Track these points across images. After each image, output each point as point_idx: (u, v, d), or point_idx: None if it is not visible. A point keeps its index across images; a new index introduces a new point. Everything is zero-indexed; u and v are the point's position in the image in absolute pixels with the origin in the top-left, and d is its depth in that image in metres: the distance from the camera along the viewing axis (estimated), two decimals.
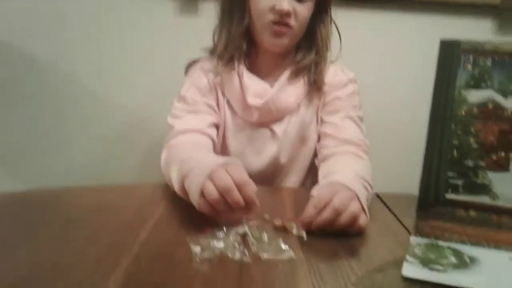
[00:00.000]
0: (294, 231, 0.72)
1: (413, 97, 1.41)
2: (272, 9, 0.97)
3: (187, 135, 0.97)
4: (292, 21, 0.99)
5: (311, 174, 1.11)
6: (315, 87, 1.06)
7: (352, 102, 1.08)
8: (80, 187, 0.90)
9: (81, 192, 0.90)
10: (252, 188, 0.70)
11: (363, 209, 0.75)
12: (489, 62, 0.77)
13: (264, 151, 1.07)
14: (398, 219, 0.82)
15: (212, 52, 1.09)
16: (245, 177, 0.70)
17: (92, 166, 1.67)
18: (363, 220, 0.74)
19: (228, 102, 1.08)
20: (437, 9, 1.56)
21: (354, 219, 0.72)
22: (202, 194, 0.70)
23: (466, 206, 0.82)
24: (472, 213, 0.81)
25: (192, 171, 0.75)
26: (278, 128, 1.07)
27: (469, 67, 0.78)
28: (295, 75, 1.06)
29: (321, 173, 0.95)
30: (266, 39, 1.02)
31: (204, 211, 0.72)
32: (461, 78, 0.78)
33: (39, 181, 1.59)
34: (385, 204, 0.90)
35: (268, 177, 1.08)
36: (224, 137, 1.09)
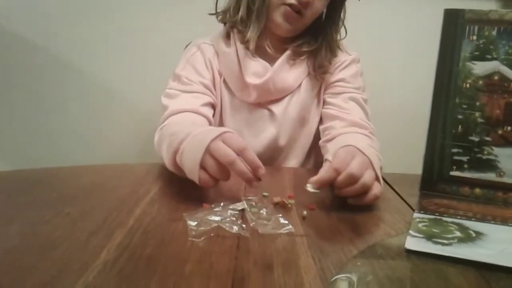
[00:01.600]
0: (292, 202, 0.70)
1: (416, 72, 1.38)
2: None
3: (180, 114, 0.94)
4: (307, 11, 0.97)
5: (312, 157, 1.10)
6: (319, 71, 1.03)
7: (356, 83, 1.06)
8: (76, 166, 0.88)
9: (77, 170, 0.88)
10: (252, 152, 0.68)
11: (377, 177, 0.73)
12: (494, 32, 0.74)
13: (263, 132, 1.05)
14: (401, 197, 0.80)
15: (226, 19, 1.05)
16: (243, 143, 0.68)
17: (92, 155, 1.66)
18: (377, 189, 0.72)
19: (225, 82, 1.05)
20: None
21: (368, 187, 0.70)
22: (202, 168, 0.68)
23: (471, 183, 0.79)
24: (478, 190, 0.79)
25: (185, 145, 0.73)
26: (276, 108, 1.05)
27: (474, 37, 0.75)
28: (296, 56, 1.04)
29: (330, 149, 0.91)
30: (276, 19, 0.99)
31: (206, 185, 0.69)
32: (466, 49, 0.76)
33: (31, 164, 1.58)
34: (388, 183, 0.87)
35: (267, 159, 1.05)
36: (221, 118, 1.06)
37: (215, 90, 1.05)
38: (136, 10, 1.61)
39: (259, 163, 0.68)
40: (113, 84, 1.66)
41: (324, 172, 0.70)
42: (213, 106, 1.04)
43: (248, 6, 1.00)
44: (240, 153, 0.67)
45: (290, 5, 0.95)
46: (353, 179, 0.69)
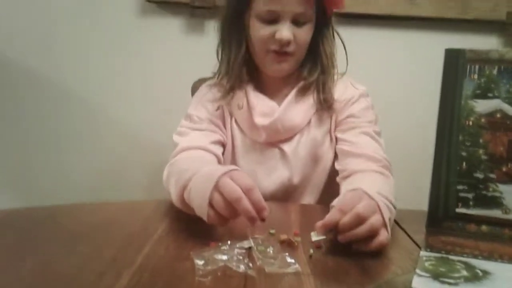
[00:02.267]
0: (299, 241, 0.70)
1: (421, 109, 1.40)
2: (272, 37, 0.96)
3: (190, 151, 0.96)
4: (292, 48, 0.98)
5: (327, 195, 1.06)
6: (325, 105, 1.04)
7: (367, 117, 1.05)
8: (85, 203, 0.89)
9: (86, 208, 0.89)
10: (259, 193, 0.69)
11: (385, 224, 0.71)
12: (495, 71, 0.76)
13: (275, 171, 1.05)
14: (408, 235, 0.80)
15: (216, 77, 1.08)
16: (251, 183, 0.69)
17: (96, 185, 1.68)
18: (383, 236, 0.70)
19: (236, 122, 1.07)
20: (444, 26, 1.57)
21: (374, 231, 0.68)
22: (211, 205, 0.69)
23: (477, 220, 0.79)
24: (484, 227, 0.79)
25: (194, 181, 0.74)
26: (287, 147, 1.05)
27: (475, 76, 0.77)
28: (302, 93, 1.05)
29: (343, 189, 0.91)
30: (268, 66, 1.02)
31: (214, 223, 0.71)
32: (467, 87, 0.77)
33: (42, 199, 1.59)
34: (395, 220, 0.87)
35: (281, 198, 1.05)
36: (233, 158, 1.07)
37: (225, 129, 1.07)
38: (145, 44, 1.65)
39: (264, 204, 0.68)
40: (122, 119, 1.69)
41: (329, 215, 0.69)
42: (222, 144, 1.05)
43: (227, 59, 1.03)
44: (247, 192, 0.68)
45: (274, 50, 0.98)
46: (359, 220, 0.67)
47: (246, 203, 0.67)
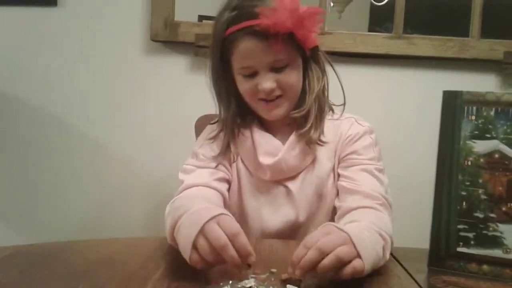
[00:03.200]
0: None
1: (422, 150, 1.41)
2: (256, 89, 0.98)
3: (193, 189, 0.97)
4: (278, 92, 0.99)
5: None
6: (303, 140, 1.03)
7: (369, 154, 1.05)
8: (86, 240, 0.90)
9: (87, 245, 0.90)
10: (245, 238, 0.70)
11: (357, 253, 0.70)
12: (492, 113, 0.78)
13: (281, 209, 1.06)
14: (410, 274, 0.80)
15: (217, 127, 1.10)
16: (237, 229, 0.70)
17: (95, 220, 1.68)
18: (357, 263, 0.69)
19: (242, 160, 1.08)
20: (442, 65, 1.60)
21: (341, 261, 0.68)
22: (195, 247, 0.70)
23: (479, 260, 0.80)
24: (485, 267, 0.79)
25: (182, 220, 0.76)
26: (292, 185, 1.06)
27: (473, 117, 0.79)
28: (302, 137, 1.04)
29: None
30: (262, 114, 1.04)
31: (196, 265, 0.71)
32: (466, 128, 0.79)
33: (42, 235, 1.59)
34: (396, 259, 0.88)
35: (287, 236, 1.05)
36: (240, 196, 1.08)
37: (231, 168, 1.08)
38: (149, 82, 1.68)
39: (250, 249, 0.69)
40: (124, 156, 1.70)
41: (295, 253, 0.70)
42: (228, 182, 1.06)
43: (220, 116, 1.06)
44: (232, 237, 0.69)
45: (263, 99, 1.00)
46: (322, 254, 0.67)
47: (231, 251, 0.68)
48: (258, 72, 0.98)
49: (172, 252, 0.84)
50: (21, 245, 0.86)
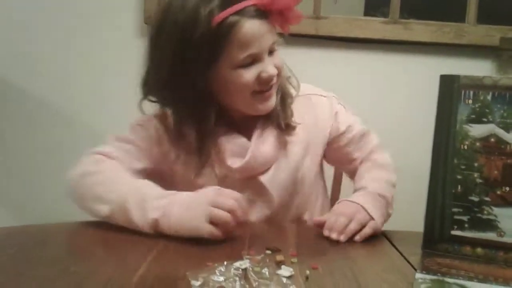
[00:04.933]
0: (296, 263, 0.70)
1: (417, 133, 1.41)
2: (258, 79, 0.88)
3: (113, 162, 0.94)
4: (275, 79, 0.92)
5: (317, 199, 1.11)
6: (287, 132, 0.98)
7: (347, 124, 1.05)
8: (79, 222, 0.89)
9: (82, 226, 0.89)
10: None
11: (371, 217, 0.88)
12: (489, 97, 0.77)
13: (255, 207, 1.00)
14: (404, 256, 0.81)
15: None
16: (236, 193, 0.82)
17: None
18: (373, 224, 0.88)
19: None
20: (438, 51, 1.60)
21: (360, 224, 0.87)
22: (210, 222, 0.77)
23: (473, 243, 0.80)
24: (479, 250, 0.80)
25: (180, 203, 0.81)
26: (264, 178, 0.99)
27: (470, 101, 0.78)
28: (268, 121, 0.98)
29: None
30: (253, 108, 0.94)
31: (217, 237, 0.78)
32: (462, 112, 0.79)
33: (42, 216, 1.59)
34: (390, 241, 0.88)
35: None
36: None
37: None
38: (141, 64, 1.66)
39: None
40: None
41: (328, 221, 0.87)
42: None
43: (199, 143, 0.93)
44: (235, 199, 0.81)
45: (259, 91, 0.91)
46: (348, 219, 0.87)
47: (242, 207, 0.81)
48: (261, 58, 0.89)
49: (165, 237, 0.83)
50: (14, 227, 0.86)
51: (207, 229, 0.77)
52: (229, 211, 0.78)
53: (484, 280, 0.69)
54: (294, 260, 0.72)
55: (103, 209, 0.85)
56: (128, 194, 0.83)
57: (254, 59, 0.88)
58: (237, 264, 0.68)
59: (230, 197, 0.80)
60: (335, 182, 1.29)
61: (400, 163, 1.59)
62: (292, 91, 1.01)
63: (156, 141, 0.97)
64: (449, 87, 0.80)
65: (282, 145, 1.00)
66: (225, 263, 0.67)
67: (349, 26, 1.60)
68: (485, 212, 0.79)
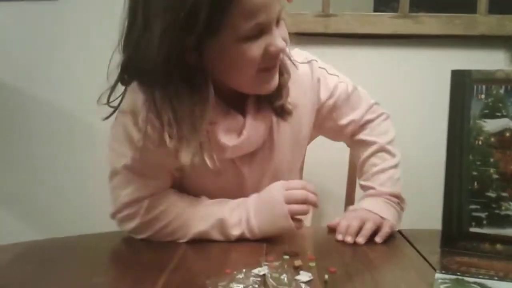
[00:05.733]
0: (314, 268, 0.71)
1: (431, 130, 1.40)
2: (265, 53, 0.77)
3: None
4: (281, 54, 0.82)
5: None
6: (281, 116, 0.90)
7: (336, 91, 0.99)
8: (98, 234, 0.90)
9: (99, 238, 0.90)
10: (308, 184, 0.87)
11: (383, 218, 0.89)
12: (502, 91, 0.77)
13: (235, 190, 0.92)
14: (422, 256, 0.80)
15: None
16: (299, 182, 0.89)
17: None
18: (387, 223, 0.89)
19: None
20: (450, 43, 1.58)
21: (376, 225, 0.88)
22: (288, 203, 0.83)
23: (492, 239, 0.79)
24: (498, 246, 0.79)
25: (255, 212, 0.85)
26: (246, 167, 0.92)
27: (482, 96, 0.78)
28: (260, 98, 0.88)
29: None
30: (256, 87, 0.83)
31: (300, 228, 0.86)
32: (475, 107, 0.78)
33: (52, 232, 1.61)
34: (408, 240, 0.88)
35: None
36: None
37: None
38: None
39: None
40: None
41: (340, 226, 0.89)
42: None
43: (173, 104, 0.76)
44: (304, 187, 0.86)
45: (264, 68, 0.79)
46: (362, 221, 0.88)
47: (311, 195, 0.86)
48: (270, 28, 0.76)
49: (185, 244, 0.84)
50: (33, 241, 0.87)
51: (292, 226, 0.83)
52: (303, 202, 0.84)
53: (504, 277, 0.68)
54: (312, 264, 0.73)
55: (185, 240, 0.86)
56: (200, 225, 0.85)
57: (262, 30, 0.75)
58: (255, 271, 0.68)
59: (298, 187, 0.85)
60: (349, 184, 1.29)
61: (412, 159, 1.58)
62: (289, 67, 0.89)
63: (159, 143, 0.80)
64: (461, 83, 0.79)
65: (274, 130, 0.92)
66: (243, 270, 0.68)
67: (359, 22, 1.59)
68: (503, 208, 0.78)
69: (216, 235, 0.85)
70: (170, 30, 0.70)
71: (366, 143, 1.03)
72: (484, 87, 0.78)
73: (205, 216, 0.86)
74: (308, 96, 0.96)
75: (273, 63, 0.80)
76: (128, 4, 0.76)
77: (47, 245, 0.88)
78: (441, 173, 0.82)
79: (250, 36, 0.74)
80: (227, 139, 0.85)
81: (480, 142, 0.79)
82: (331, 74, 0.99)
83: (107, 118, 0.83)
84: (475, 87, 0.78)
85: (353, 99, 1.02)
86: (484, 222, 0.79)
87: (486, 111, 0.78)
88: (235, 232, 0.85)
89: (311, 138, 1.05)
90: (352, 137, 1.05)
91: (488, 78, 0.78)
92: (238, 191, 0.91)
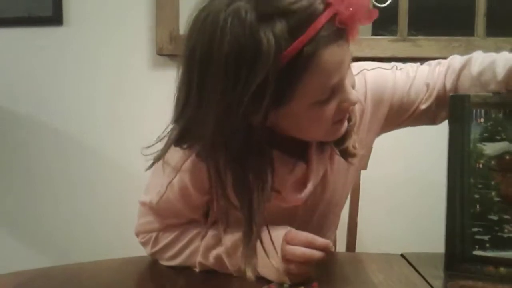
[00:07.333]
0: None
1: (429, 152, 1.40)
2: (339, 111, 0.72)
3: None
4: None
5: None
6: (347, 157, 0.82)
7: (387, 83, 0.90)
8: (104, 260, 0.90)
9: (105, 266, 0.90)
10: (318, 239, 0.74)
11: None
12: (501, 115, 0.77)
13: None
14: (426, 280, 0.80)
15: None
16: (306, 236, 0.75)
17: (110, 237, 1.69)
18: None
19: None
20: None
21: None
22: (286, 260, 0.73)
23: (495, 262, 0.79)
24: (502, 269, 0.79)
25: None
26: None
27: (482, 120, 0.78)
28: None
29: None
30: (323, 138, 0.80)
31: (300, 273, 0.73)
32: (475, 131, 0.79)
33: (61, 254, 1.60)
34: (411, 264, 0.87)
35: None
36: None
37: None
38: (156, 96, 1.68)
39: (327, 243, 0.74)
40: (135, 171, 1.71)
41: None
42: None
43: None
44: (309, 244, 0.73)
45: (340, 119, 0.75)
46: None
47: (317, 254, 0.73)
48: (342, 85, 0.71)
49: (187, 270, 0.84)
50: (38, 269, 0.87)
51: (288, 281, 0.73)
52: (305, 261, 0.73)
53: None
54: None
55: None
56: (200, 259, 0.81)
57: (334, 90, 0.70)
58: None
59: (302, 243, 0.73)
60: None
61: (412, 182, 1.58)
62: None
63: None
64: (460, 107, 0.80)
65: (328, 167, 0.86)
66: None
67: (358, 46, 1.61)
68: (506, 230, 0.78)
69: (230, 268, 0.79)
70: (231, 114, 0.64)
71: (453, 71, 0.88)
72: (483, 111, 0.79)
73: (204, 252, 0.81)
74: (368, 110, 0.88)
75: (345, 114, 0.76)
76: (182, 80, 0.70)
77: (49, 274, 0.87)
78: (441, 195, 0.82)
79: (322, 100, 0.69)
80: (293, 197, 0.81)
81: (480, 165, 0.79)
82: (384, 69, 0.93)
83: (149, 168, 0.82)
84: (474, 111, 0.79)
85: (415, 74, 0.91)
86: (487, 245, 0.79)
87: (486, 134, 0.79)
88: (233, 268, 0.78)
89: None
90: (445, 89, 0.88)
91: (487, 102, 0.79)
92: (288, 220, 0.83)
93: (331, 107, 0.70)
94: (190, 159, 0.76)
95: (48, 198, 1.73)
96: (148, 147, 0.77)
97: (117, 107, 1.71)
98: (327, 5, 0.64)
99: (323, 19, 0.63)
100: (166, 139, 0.76)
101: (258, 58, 0.61)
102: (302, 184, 0.82)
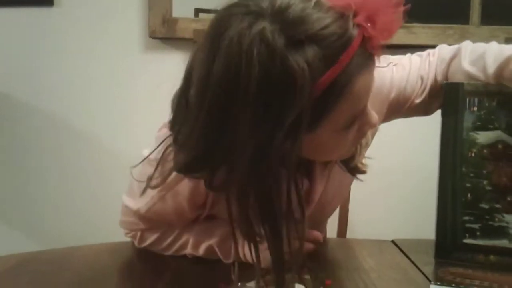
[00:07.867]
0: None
1: (422, 140, 1.41)
2: (359, 133, 0.69)
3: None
4: None
5: None
6: (356, 174, 0.80)
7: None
8: (95, 245, 0.90)
9: (95, 250, 0.89)
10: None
11: None
12: (494, 103, 0.78)
13: None
14: (417, 267, 0.80)
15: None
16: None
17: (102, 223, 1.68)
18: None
19: None
20: None
21: None
22: None
23: (485, 250, 0.80)
24: (492, 257, 0.79)
25: None
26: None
27: (475, 109, 0.78)
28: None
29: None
30: (336, 158, 0.78)
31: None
32: (468, 120, 0.79)
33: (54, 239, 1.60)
34: (402, 251, 0.88)
35: None
36: None
37: None
38: (149, 79, 1.67)
39: (317, 234, 0.78)
40: (125, 154, 1.70)
41: None
42: None
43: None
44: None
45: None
46: None
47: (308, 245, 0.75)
48: (365, 110, 0.67)
49: (179, 258, 0.84)
50: (28, 253, 0.86)
51: None
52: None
53: None
54: (307, 277, 0.72)
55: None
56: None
57: (356, 116, 0.66)
58: (250, 284, 0.68)
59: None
60: None
61: (405, 170, 1.59)
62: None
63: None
64: (454, 95, 0.80)
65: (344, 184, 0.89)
66: (239, 284, 0.68)
67: None
68: (496, 219, 0.79)
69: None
70: (264, 149, 0.58)
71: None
72: (476, 99, 0.79)
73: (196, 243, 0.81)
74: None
75: (364, 136, 0.73)
76: (196, 104, 0.61)
77: (40, 257, 0.87)
78: (433, 183, 0.82)
79: (347, 126, 0.65)
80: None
81: (473, 154, 0.79)
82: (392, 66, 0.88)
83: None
84: (467, 99, 0.79)
85: (411, 66, 0.89)
86: (478, 233, 0.80)
87: (479, 123, 0.79)
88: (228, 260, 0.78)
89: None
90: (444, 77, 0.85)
91: (480, 91, 0.79)
92: None
93: (353, 131, 0.67)
94: (188, 181, 0.71)
95: (39, 183, 1.72)
96: (135, 166, 0.74)
97: (109, 89, 1.69)
98: (359, 29, 0.59)
99: (355, 45, 0.58)
100: (163, 155, 0.70)
101: (292, 90, 0.56)
102: (306, 199, 0.78)
